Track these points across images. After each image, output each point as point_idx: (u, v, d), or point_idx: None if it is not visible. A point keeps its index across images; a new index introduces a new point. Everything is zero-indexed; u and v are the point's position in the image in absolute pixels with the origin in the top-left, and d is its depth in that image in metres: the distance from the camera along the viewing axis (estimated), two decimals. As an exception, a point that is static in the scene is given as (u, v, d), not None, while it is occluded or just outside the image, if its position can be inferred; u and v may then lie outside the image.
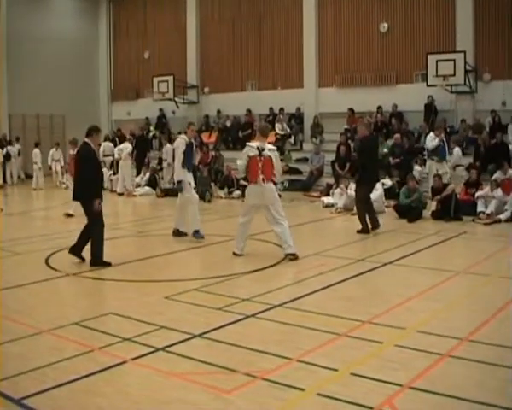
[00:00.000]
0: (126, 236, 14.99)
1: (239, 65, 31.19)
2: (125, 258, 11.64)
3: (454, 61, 22.76)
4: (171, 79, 30.57)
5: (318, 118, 27.75)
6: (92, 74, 36.29)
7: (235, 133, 28.79)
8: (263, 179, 11.48)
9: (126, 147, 24.95)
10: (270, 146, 12.05)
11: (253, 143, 11.83)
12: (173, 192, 23.46)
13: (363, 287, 9.77)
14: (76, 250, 11.14)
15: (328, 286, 9.53)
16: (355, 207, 17.64)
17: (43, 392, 5.59)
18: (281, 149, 25.49)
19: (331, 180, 22.59)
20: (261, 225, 12.73)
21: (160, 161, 27.60)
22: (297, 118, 28.48)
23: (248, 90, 30.96)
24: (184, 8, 32.84)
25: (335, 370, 6.08)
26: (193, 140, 14.35)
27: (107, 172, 26.05)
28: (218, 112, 30.64)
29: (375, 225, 14.79)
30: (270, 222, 11.70)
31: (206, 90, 32.25)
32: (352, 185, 19.00)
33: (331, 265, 10.99)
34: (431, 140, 18.98)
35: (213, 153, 26.89)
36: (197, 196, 13.97)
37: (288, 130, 27.79)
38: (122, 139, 28.51)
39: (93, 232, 10.91)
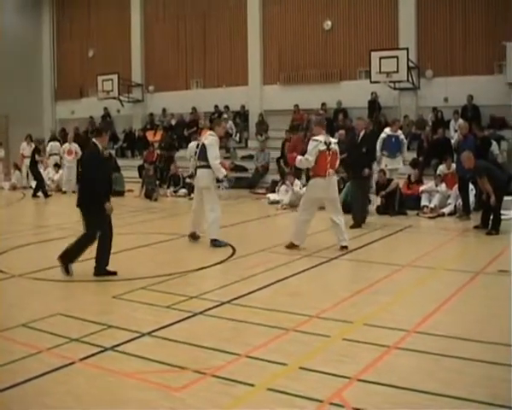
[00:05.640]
0: (72, 235, 14.76)
1: (184, 63, 31.05)
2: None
3: (397, 57, 23.00)
4: (115, 77, 30.29)
5: (263, 115, 27.83)
6: (36, 73, 35.56)
7: (181, 132, 28.61)
8: (329, 173, 11.84)
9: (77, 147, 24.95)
10: (334, 139, 12.51)
11: (320, 138, 11.84)
12: (118, 193, 23.32)
13: (310, 282, 9.85)
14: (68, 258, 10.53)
15: (275, 282, 9.59)
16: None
17: (-9, 394, 5.52)
18: (225, 147, 25.52)
19: (277, 177, 22.71)
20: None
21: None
22: (242, 115, 28.50)
23: (193, 88, 30.84)
24: (129, 6, 32.51)
25: (284, 364, 6.13)
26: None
27: (51, 172, 25.79)
28: (164, 110, 30.50)
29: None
30: (331, 213, 12.10)
31: (151, 88, 32.04)
32: (298, 182, 19.14)
33: (278, 261, 11.05)
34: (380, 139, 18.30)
35: (158, 151, 26.70)
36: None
37: (234, 128, 27.73)
38: (66, 139, 28.10)
39: (101, 240, 10.58)
